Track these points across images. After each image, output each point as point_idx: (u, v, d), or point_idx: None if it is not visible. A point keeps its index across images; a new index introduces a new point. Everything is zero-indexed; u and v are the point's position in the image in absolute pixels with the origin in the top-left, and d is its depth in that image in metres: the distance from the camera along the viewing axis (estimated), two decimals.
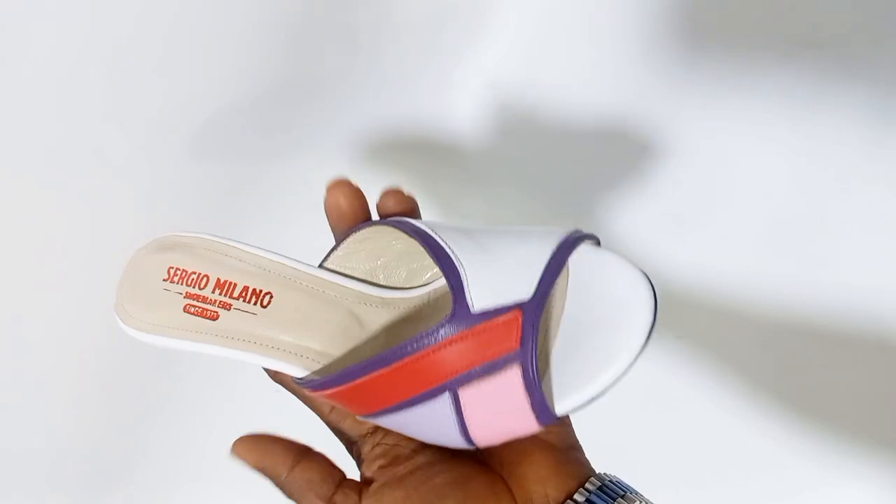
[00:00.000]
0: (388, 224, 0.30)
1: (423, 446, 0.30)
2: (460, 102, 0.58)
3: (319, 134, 0.57)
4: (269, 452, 0.30)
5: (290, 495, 0.30)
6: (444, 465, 0.29)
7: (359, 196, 0.31)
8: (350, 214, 0.31)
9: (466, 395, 0.26)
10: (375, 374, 0.27)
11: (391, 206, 0.31)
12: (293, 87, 0.54)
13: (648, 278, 0.28)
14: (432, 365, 0.26)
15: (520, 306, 0.26)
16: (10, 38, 0.45)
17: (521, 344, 0.26)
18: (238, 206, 0.56)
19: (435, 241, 0.28)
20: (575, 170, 0.59)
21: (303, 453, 0.31)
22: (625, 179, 0.57)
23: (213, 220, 0.56)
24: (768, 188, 0.54)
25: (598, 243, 0.30)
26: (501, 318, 0.26)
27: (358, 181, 0.32)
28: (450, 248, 0.28)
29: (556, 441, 0.29)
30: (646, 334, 0.26)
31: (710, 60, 0.52)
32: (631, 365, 0.26)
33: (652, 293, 0.27)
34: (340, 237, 0.32)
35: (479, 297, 0.26)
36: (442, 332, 0.26)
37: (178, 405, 0.61)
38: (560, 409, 0.26)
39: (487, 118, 0.59)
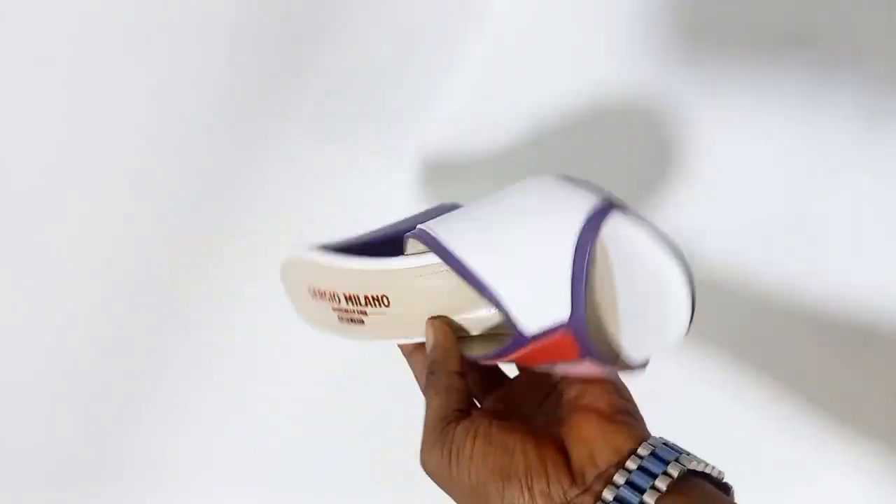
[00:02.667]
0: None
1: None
2: (458, 89, 0.58)
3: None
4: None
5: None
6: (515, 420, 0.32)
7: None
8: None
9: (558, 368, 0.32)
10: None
11: None
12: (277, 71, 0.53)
13: (682, 259, 0.29)
14: (523, 359, 0.32)
15: (566, 327, 0.30)
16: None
17: (581, 354, 0.30)
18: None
19: (463, 267, 0.31)
20: (562, 163, 0.59)
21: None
22: (610, 173, 0.57)
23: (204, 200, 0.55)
24: (752, 178, 0.54)
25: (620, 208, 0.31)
26: (554, 337, 0.30)
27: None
28: (475, 271, 0.31)
29: (604, 406, 0.30)
30: (689, 317, 0.29)
31: (697, 57, 0.53)
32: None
33: (687, 279, 0.29)
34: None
35: (528, 321, 0.30)
36: (510, 349, 0.31)
37: (160, 400, 0.60)
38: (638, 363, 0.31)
39: (484, 109, 0.59)
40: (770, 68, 0.51)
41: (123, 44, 0.47)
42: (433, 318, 0.35)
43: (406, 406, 0.57)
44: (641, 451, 0.28)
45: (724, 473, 0.29)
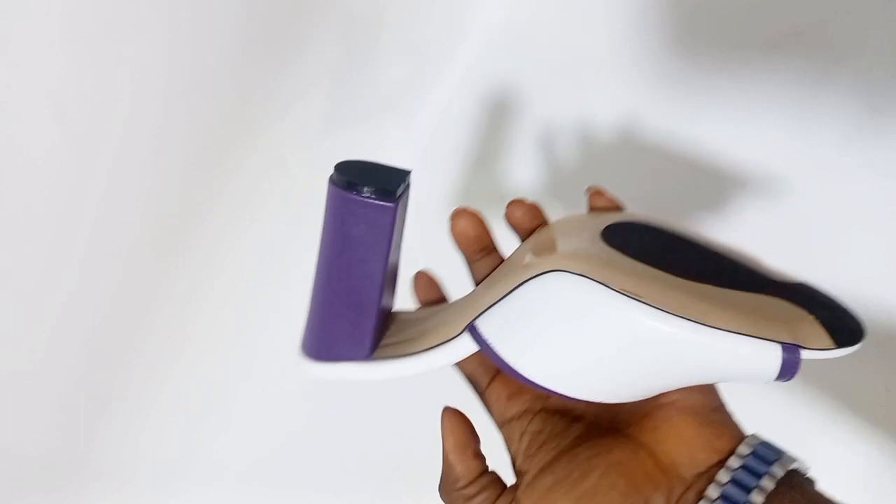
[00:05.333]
0: None
1: (566, 426, 0.31)
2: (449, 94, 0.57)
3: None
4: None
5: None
6: (587, 441, 0.30)
7: (481, 222, 0.35)
8: (475, 238, 0.35)
9: None
10: None
11: (519, 217, 0.34)
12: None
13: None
14: None
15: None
16: None
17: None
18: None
19: None
20: (559, 165, 0.59)
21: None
22: (607, 175, 0.57)
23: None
24: (745, 177, 0.54)
25: None
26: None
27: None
28: None
29: (698, 404, 0.29)
30: None
31: (690, 58, 0.52)
32: None
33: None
34: (471, 257, 0.35)
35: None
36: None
37: (140, 397, 0.59)
38: None
39: (476, 110, 0.59)
40: (762, 67, 0.51)
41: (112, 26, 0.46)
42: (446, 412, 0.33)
43: (392, 404, 0.57)
44: (742, 449, 0.27)
45: (809, 470, 0.28)
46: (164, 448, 0.61)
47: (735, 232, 0.54)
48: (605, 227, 0.32)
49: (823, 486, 0.54)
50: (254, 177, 0.56)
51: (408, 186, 0.33)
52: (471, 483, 0.31)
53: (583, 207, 0.37)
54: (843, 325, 0.28)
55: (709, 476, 0.27)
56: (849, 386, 0.54)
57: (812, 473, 0.28)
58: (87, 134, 0.49)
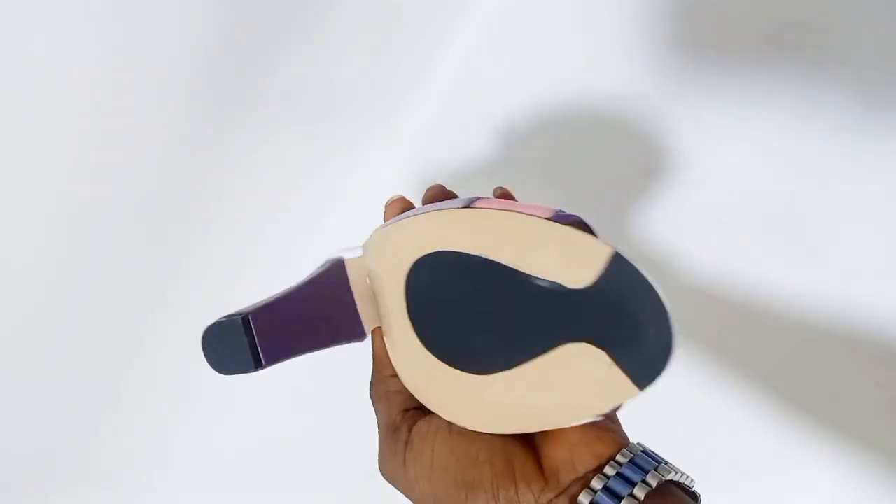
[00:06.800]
0: None
1: None
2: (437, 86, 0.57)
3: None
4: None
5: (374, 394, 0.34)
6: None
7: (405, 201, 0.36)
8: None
9: None
10: None
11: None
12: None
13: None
14: None
15: None
16: None
17: None
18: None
19: None
20: (545, 166, 0.58)
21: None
22: (595, 175, 0.57)
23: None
24: (740, 176, 0.54)
25: None
26: None
27: None
28: None
29: None
30: None
31: (683, 55, 0.52)
32: None
33: None
34: None
35: None
36: None
37: (124, 398, 0.58)
38: None
39: (464, 109, 0.58)
40: (758, 61, 0.50)
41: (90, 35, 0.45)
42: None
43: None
44: (620, 458, 0.27)
45: (694, 482, 0.29)
46: (150, 448, 0.60)
47: (729, 227, 0.54)
48: (407, 275, 0.32)
49: (813, 483, 0.54)
50: (232, 192, 0.55)
51: (249, 321, 0.31)
52: (395, 375, 0.33)
53: (575, 203, 0.36)
54: (644, 363, 0.26)
55: (584, 482, 0.27)
56: (839, 382, 0.54)
57: (689, 479, 0.29)
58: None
